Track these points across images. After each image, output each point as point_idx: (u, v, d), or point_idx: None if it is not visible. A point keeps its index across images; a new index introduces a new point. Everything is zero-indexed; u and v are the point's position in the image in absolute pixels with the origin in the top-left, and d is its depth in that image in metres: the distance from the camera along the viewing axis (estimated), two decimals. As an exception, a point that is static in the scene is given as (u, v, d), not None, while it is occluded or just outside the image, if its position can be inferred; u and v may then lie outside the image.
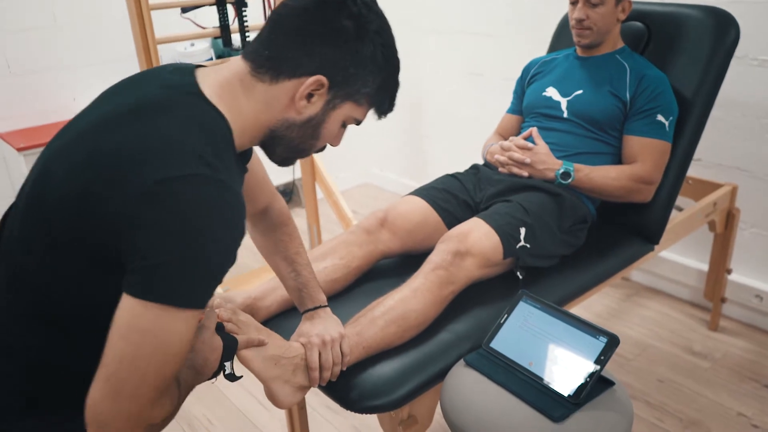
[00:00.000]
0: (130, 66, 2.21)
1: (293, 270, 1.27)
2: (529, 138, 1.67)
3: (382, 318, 1.25)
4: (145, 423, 0.82)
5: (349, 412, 1.92)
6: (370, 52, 0.94)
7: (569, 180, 1.59)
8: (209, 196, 0.80)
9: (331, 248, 1.48)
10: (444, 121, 3.18)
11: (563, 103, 1.70)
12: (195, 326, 0.82)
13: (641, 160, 1.61)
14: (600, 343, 1.13)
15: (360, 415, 1.88)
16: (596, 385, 1.10)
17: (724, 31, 1.69)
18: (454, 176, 1.70)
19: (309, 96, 0.94)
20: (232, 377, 1.05)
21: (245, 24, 2.26)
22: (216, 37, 2.31)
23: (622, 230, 1.73)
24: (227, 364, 1.04)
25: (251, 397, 2.01)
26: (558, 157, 1.63)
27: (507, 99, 2.26)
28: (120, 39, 2.62)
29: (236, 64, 0.95)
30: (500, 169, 1.67)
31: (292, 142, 0.99)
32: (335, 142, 1.03)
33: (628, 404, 1.12)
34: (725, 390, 1.95)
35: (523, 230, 1.44)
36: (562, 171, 1.59)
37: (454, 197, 1.62)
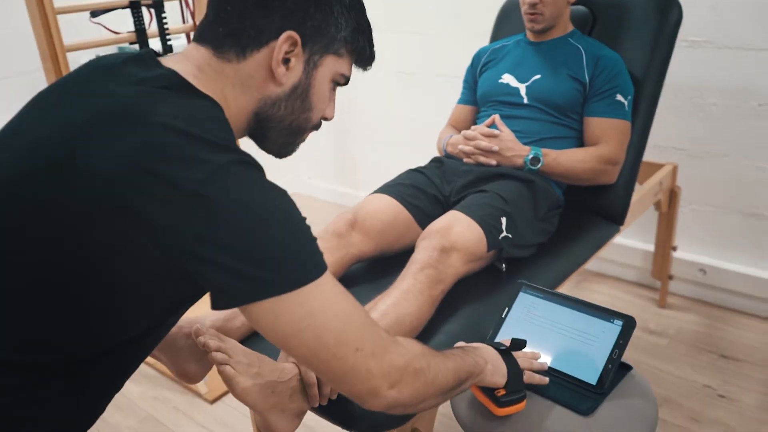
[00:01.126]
0: (34, 80, 1.98)
1: None
2: (492, 126, 1.61)
3: None
4: (402, 377, 0.78)
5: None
6: None
7: (539, 165, 1.55)
8: (249, 176, 0.72)
9: (300, 257, 1.35)
10: (376, 124, 3.10)
11: (522, 89, 1.66)
12: (332, 289, 0.76)
13: (605, 141, 1.60)
14: (616, 327, 1.07)
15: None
16: (617, 372, 1.05)
17: (667, 11, 1.71)
18: (417, 170, 1.61)
19: (285, 61, 0.84)
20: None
21: (165, 27, 2.08)
22: (132, 43, 2.11)
23: (587, 214, 1.72)
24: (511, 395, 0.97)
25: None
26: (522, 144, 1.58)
27: (442, 96, 2.20)
28: (20, 50, 2.34)
29: (195, 51, 0.83)
30: (465, 159, 1.60)
31: (284, 122, 0.88)
32: (329, 111, 0.93)
33: (649, 387, 1.08)
34: (687, 364, 1.98)
35: (504, 220, 1.38)
36: (531, 156, 1.54)
37: (422, 192, 1.54)
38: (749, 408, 1.78)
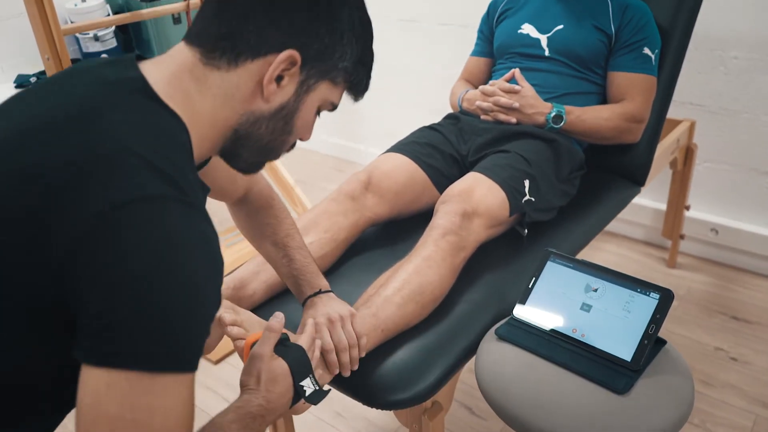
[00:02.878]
0: (19, 24, 1.86)
1: (285, 255, 1.08)
2: (511, 81, 1.52)
3: (398, 295, 1.08)
4: None
5: (325, 409, 1.74)
6: (347, 16, 0.78)
7: (561, 123, 1.46)
8: (178, 222, 0.62)
9: (311, 220, 1.28)
10: (376, 75, 2.97)
11: (543, 40, 1.56)
12: (186, 397, 0.62)
13: (630, 98, 1.51)
14: (652, 300, 1.01)
15: (341, 401, 1.72)
16: (652, 347, 0.99)
17: (698, -45, 1.60)
18: (432, 128, 1.53)
19: (278, 78, 0.76)
20: (318, 396, 0.88)
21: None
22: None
23: (606, 174, 1.64)
24: (306, 382, 0.86)
25: (218, 398, 1.79)
26: (543, 100, 1.49)
27: (446, 46, 2.07)
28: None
29: (181, 52, 0.75)
30: (483, 116, 1.51)
31: (261, 141, 0.80)
32: (307, 134, 0.85)
33: (685, 363, 1.03)
34: (698, 326, 1.95)
35: (527, 183, 1.31)
36: (553, 114, 1.46)
37: (439, 151, 1.46)
38: (763, 371, 1.75)
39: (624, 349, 0.99)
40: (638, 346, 0.98)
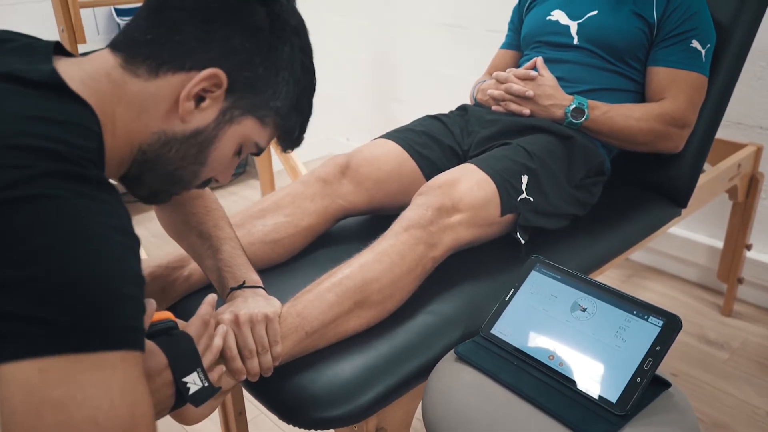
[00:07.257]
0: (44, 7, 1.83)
1: (210, 246, 0.92)
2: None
3: (332, 291, 0.88)
4: None
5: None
6: (287, 54, 0.73)
7: (582, 119, 1.24)
8: (75, 195, 0.55)
9: (274, 203, 1.11)
10: (419, 83, 2.81)
11: (573, 26, 1.35)
12: (135, 376, 0.56)
13: (672, 97, 1.27)
14: (653, 327, 0.78)
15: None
16: (649, 388, 0.76)
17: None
18: (436, 117, 1.34)
19: (199, 99, 0.70)
20: (206, 393, 0.72)
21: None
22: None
23: (640, 189, 1.40)
24: (192, 378, 0.71)
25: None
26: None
27: (493, 53, 1.91)
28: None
29: (101, 56, 0.70)
30: (494, 107, 1.31)
31: (169, 166, 0.73)
32: (224, 175, 0.78)
33: (690, 413, 0.78)
34: (749, 385, 1.65)
35: (525, 178, 1.09)
36: (573, 107, 1.24)
37: (437, 142, 1.26)
38: (824, 447, 1.44)
39: (610, 387, 0.76)
40: (627, 384, 0.75)
